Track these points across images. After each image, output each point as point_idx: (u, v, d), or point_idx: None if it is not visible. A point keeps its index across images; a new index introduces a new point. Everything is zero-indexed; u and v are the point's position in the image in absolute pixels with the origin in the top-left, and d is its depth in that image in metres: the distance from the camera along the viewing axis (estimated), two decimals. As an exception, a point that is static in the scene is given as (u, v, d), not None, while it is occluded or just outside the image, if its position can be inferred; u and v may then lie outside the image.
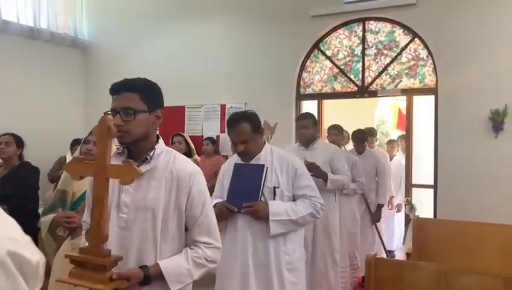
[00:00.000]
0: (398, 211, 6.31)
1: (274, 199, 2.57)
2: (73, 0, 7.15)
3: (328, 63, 5.85)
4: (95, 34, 7.32)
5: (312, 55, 5.93)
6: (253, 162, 2.63)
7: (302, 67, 5.96)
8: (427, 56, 5.27)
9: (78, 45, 7.19)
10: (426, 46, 5.24)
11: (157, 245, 1.70)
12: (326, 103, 6.10)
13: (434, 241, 3.81)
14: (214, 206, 2.42)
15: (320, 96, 5.96)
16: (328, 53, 5.84)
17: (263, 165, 2.56)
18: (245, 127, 2.57)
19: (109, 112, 1.76)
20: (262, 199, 2.55)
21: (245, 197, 2.53)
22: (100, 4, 7.28)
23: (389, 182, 5.85)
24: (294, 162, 2.66)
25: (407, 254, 3.66)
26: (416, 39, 5.34)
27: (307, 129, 3.87)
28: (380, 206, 5.16)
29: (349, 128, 5.82)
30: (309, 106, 6.09)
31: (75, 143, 4.98)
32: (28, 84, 6.36)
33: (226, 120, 2.72)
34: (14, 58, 6.23)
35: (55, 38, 6.78)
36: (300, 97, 5.99)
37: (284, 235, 2.56)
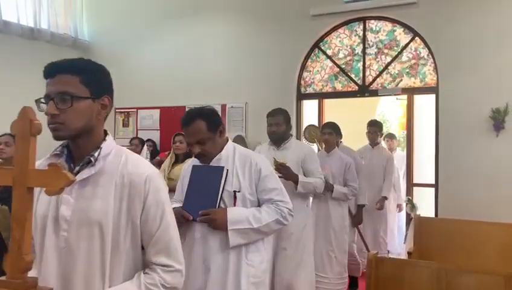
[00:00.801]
0: (400, 210, 6.22)
1: (235, 204, 2.27)
2: (73, 0, 7.15)
3: (328, 63, 5.85)
4: (96, 35, 7.32)
5: (312, 54, 5.93)
6: (213, 163, 2.33)
7: (303, 66, 5.96)
8: (427, 55, 5.27)
9: (78, 45, 7.19)
10: (427, 45, 5.23)
11: (106, 270, 1.37)
12: (327, 102, 6.09)
13: (435, 240, 3.81)
14: None
15: (321, 96, 5.96)
16: (329, 52, 5.84)
17: (222, 167, 2.27)
18: (200, 126, 2.27)
19: (42, 100, 1.43)
20: (222, 205, 2.26)
21: (202, 204, 2.25)
22: (101, 4, 7.28)
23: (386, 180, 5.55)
24: (258, 162, 2.34)
25: (408, 253, 3.66)
26: (416, 38, 5.33)
27: (279, 126, 3.57)
28: (360, 207, 4.80)
29: (350, 127, 5.82)
30: (310, 106, 6.10)
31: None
32: (28, 84, 6.36)
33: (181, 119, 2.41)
34: (15, 59, 6.23)
35: (55, 38, 6.78)
36: (301, 97, 5.99)
37: (247, 246, 2.26)
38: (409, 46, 5.39)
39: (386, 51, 5.53)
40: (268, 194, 2.31)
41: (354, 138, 5.86)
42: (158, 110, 6.63)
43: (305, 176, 3.56)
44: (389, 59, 5.50)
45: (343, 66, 5.76)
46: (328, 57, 5.84)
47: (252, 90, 6.05)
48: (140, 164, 1.47)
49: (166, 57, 6.69)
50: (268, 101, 5.83)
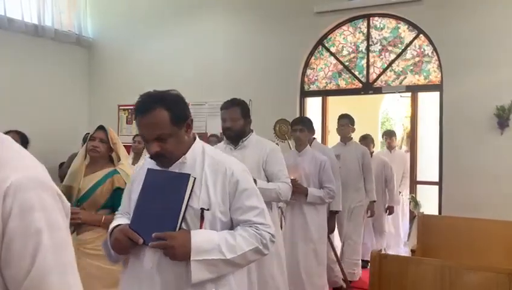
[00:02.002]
0: (390, 213, 5.72)
1: (201, 226, 1.70)
2: (77, -3, 7.17)
3: (332, 60, 5.84)
4: (100, 32, 7.33)
5: (316, 51, 5.92)
6: (174, 168, 1.76)
7: (306, 64, 5.95)
8: (432, 52, 5.25)
9: (82, 42, 7.21)
10: (431, 42, 5.21)
11: None
12: (331, 99, 6.08)
13: (439, 238, 3.80)
14: (113, 231, 1.76)
15: (324, 93, 5.94)
16: (333, 50, 5.83)
17: (188, 175, 1.69)
18: (162, 117, 1.70)
19: None
20: (184, 226, 1.69)
21: (157, 223, 1.67)
22: (104, 1, 7.29)
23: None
24: (235, 171, 1.77)
25: (412, 251, 3.65)
26: (421, 35, 5.31)
27: (235, 122, 2.97)
28: (333, 213, 4.29)
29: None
30: (313, 103, 6.09)
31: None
32: (32, 81, 6.39)
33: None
34: (19, 56, 6.25)
35: (59, 35, 6.80)
36: (305, 94, 5.98)
37: (215, 281, 1.71)
38: (413, 43, 5.37)
39: (390, 48, 5.51)
40: (245, 214, 1.76)
41: (357, 137, 5.73)
42: (162, 108, 6.61)
43: (268, 179, 2.99)
44: (393, 56, 5.48)
45: (347, 64, 5.75)
46: (332, 54, 5.82)
47: (255, 87, 6.05)
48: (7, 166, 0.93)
49: (170, 54, 6.69)
50: (272, 98, 5.85)
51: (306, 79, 5.98)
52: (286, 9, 5.92)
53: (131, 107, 7.02)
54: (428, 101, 5.63)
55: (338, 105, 6.59)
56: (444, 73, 5.09)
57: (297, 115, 5.88)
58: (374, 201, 5.01)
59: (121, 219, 1.84)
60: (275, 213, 3.20)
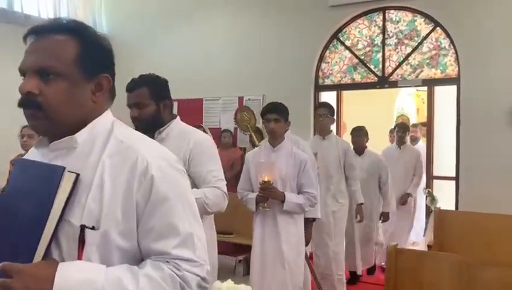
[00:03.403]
0: (384, 220, 4.87)
1: (80, 255, 1.01)
2: (92, -7, 7.22)
3: (347, 54, 5.79)
4: (115, 27, 7.38)
5: (331, 45, 5.87)
6: (57, 153, 1.09)
7: (321, 57, 5.91)
8: (449, 45, 5.17)
9: (97, 38, 7.26)
10: (448, 35, 5.13)
11: None
12: (346, 94, 6.03)
13: (455, 234, 3.75)
14: None
15: (339, 87, 5.90)
16: (348, 43, 5.78)
17: (62, 169, 1.02)
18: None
19: None
20: (56, 253, 1.02)
21: (11, 246, 1.03)
22: (119, -3, 7.33)
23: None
24: (151, 164, 1.06)
25: (428, 246, 3.62)
26: (437, 28, 5.23)
27: (142, 108, 2.21)
28: (310, 221, 3.38)
29: (369, 119, 5.75)
30: (328, 97, 6.04)
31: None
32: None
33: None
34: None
35: (75, 31, 6.86)
36: (319, 88, 5.95)
37: None
38: (430, 36, 5.30)
39: (406, 41, 5.44)
40: (161, 240, 1.04)
41: (374, 135, 5.48)
42: (176, 103, 6.64)
43: (194, 184, 2.20)
44: (409, 50, 5.41)
45: (362, 57, 5.70)
46: (347, 48, 5.77)
47: (269, 82, 6.03)
48: None
49: (184, 49, 6.70)
50: (286, 93, 5.80)
51: (320, 73, 5.95)
52: (300, 3, 5.88)
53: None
54: (446, 95, 5.55)
55: (353, 100, 6.55)
56: (461, 66, 5.01)
57: (312, 110, 5.86)
58: (362, 203, 4.27)
59: None
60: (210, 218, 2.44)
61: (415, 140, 6.02)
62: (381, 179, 4.80)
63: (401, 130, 5.44)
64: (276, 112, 3.11)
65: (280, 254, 3.01)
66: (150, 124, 2.21)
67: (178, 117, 2.35)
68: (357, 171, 4.29)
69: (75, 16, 6.89)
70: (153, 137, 2.08)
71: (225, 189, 2.27)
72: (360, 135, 4.87)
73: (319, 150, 3.98)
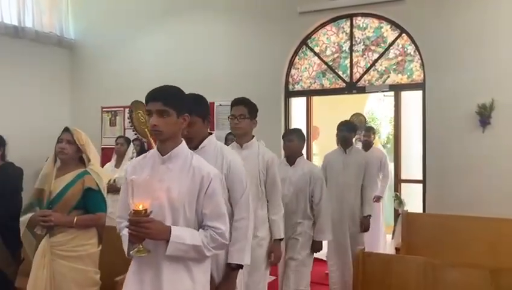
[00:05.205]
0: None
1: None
2: (58, -2, 7.08)
3: (316, 60, 5.85)
4: (82, 33, 7.24)
5: (300, 51, 5.92)
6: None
7: (291, 64, 5.95)
8: (414, 51, 5.28)
9: (64, 44, 7.11)
10: (413, 42, 5.24)
11: None
12: (316, 99, 6.09)
13: (423, 236, 3.82)
14: None
15: (309, 93, 5.95)
16: (316, 50, 5.83)
17: None
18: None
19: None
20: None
21: None
22: (87, 2, 7.20)
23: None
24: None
25: (396, 249, 3.66)
26: (403, 35, 5.34)
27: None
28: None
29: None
30: (298, 103, 6.08)
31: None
32: (12, 83, 6.28)
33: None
34: (-1, 58, 6.15)
35: (40, 37, 6.70)
36: (289, 94, 5.98)
37: None
38: (396, 42, 5.40)
39: (373, 47, 5.53)
40: None
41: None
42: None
43: None
44: (376, 56, 5.50)
45: (331, 63, 5.76)
46: (316, 54, 5.83)
47: (240, 88, 5.99)
48: None
49: (154, 55, 6.63)
50: (256, 99, 5.74)
51: (290, 79, 5.98)
52: (270, 10, 5.91)
53: (115, 109, 6.96)
54: (412, 100, 5.66)
55: (323, 105, 6.60)
56: (426, 72, 5.13)
57: (282, 116, 5.88)
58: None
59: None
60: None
61: (366, 145, 5.51)
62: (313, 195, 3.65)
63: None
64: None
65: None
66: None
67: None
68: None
69: (40, 21, 6.74)
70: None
71: None
72: (291, 139, 3.71)
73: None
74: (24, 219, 2.70)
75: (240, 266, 2.33)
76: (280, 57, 5.88)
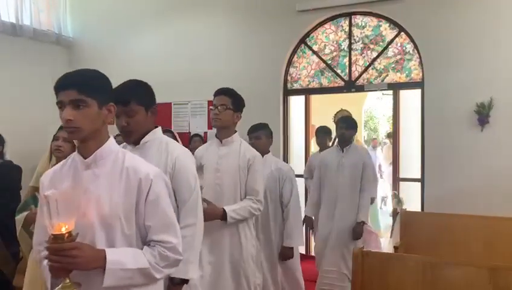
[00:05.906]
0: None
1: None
2: (56, -4, 7.05)
3: (314, 58, 5.84)
4: (80, 31, 7.22)
5: (299, 50, 5.91)
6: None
7: (289, 62, 5.94)
8: (413, 50, 5.28)
9: (62, 42, 7.09)
10: (412, 40, 5.24)
11: None
12: (314, 98, 6.09)
13: (421, 235, 3.82)
14: None
15: (307, 92, 5.94)
16: (315, 48, 5.83)
17: None
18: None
19: None
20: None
21: None
22: (85, 0, 7.18)
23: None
24: None
25: (395, 248, 3.66)
26: (402, 33, 5.34)
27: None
28: (176, 283, 2.45)
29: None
30: (296, 101, 6.08)
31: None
32: (10, 82, 6.26)
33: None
34: (-4, 56, 6.12)
35: (38, 35, 6.67)
36: (288, 92, 5.98)
37: None
38: (395, 41, 5.40)
39: (371, 46, 5.53)
40: None
41: None
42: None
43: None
44: (374, 54, 5.50)
45: (329, 62, 5.76)
46: (314, 52, 5.83)
47: (238, 86, 5.90)
48: None
49: (152, 53, 6.62)
50: (255, 98, 5.79)
51: (289, 77, 5.98)
52: (268, 7, 5.90)
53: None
54: (411, 99, 5.66)
55: (322, 103, 6.61)
56: (425, 70, 5.13)
57: (281, 114, 5.88)
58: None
59: None
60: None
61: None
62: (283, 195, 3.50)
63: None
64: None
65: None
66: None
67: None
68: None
69: (38, 19, 6.72)
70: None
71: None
72: (258, 136, 3.56)
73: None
74: (20, 217, 2.68)
75: (185, 281, 2.01)
76: (278, 55, 5.88)
